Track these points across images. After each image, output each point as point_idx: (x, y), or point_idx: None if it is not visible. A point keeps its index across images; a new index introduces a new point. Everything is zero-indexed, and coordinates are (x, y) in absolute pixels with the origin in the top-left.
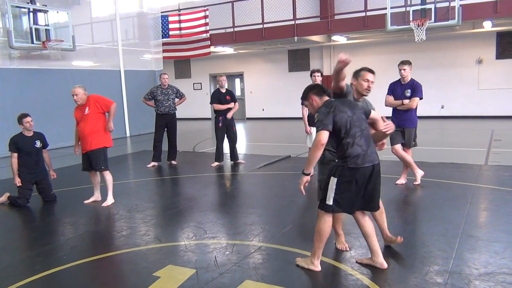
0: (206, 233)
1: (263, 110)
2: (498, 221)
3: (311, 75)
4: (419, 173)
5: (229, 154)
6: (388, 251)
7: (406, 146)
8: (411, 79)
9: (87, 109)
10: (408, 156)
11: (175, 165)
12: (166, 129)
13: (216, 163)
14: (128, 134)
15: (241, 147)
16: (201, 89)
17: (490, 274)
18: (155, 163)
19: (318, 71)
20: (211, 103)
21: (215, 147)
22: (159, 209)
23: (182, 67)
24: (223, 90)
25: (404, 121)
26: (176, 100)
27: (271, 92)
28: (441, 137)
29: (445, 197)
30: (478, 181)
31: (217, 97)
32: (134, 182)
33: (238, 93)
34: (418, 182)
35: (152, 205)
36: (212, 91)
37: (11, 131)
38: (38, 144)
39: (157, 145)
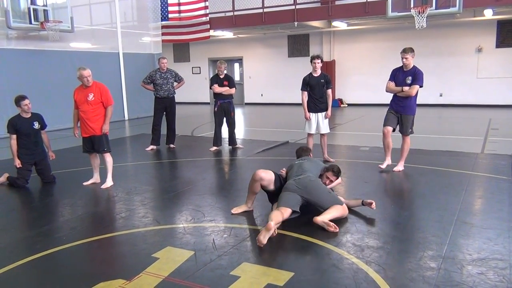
0: (204, 216)
1: (262, 95)
2: (492, 208)
3: (311, 62)
4: (387, 161)
5: (227, 139)
6: (384, 235)
7: (403, 133)
8: (414, 66)
9: (91, 95)
10: (390, 143)
11: (174, 149)
12: (165, 113)
13: (214, 148)
14: (126, 117)
15: (240, 132)
16: (199, 73)
17: (483, 259)
18: (154, 147)
19: (318, 57)
20: (210, 85)
21: (213, 132)
22: (158, 192)
23: (181, 50)
24: (222, 76)
25: (403, 107)
26: (175, 84)
27: (270, 78)
28: (438, 125)
29: (441, 184)
30: (474, 169)
31: (215, 81)
32: (133, 165)
33: (237, 78)
34: (382, 166)
35: (150, 187)
36: (211, 75)
37: (8, 112)
38: (36, 125)
39: (156, 128)
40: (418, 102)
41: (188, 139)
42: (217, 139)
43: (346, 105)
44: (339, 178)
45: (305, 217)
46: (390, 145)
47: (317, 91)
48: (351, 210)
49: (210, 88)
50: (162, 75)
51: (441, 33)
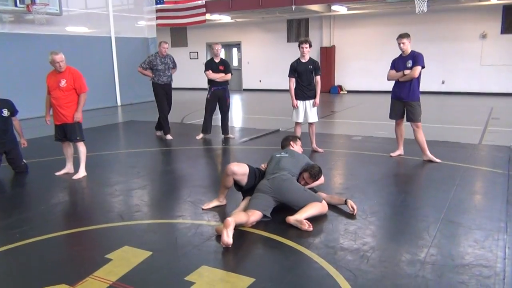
0: (172, 211)
1: (260, 81)
2: (484, 206)
3: (299, 46)
4: (399, 151)
5: (220, 127)
6: (362, 236)
7: (412, 120)
8: (412, 50)
9: (64, 81)
10: (403, 131)
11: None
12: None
13: (201, 135)
14: (119, 103)
15: (234, 120)
16: (197, 58)
17: (466, 266)
18: (170, 135)
19: (306, 41)
20: (205, 71)
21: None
22: (129, 184)
23: (178, 35)
24: (217, 60)
25: (407, 93)
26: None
27: (269, 63)
28: (438, 113)
29: (432, 178)
30: (469, 162)
31: (210, 66)
32: (112, 153)
33: (235, 63)
34: (393, 155)
35: (123, 179)
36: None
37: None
38: (4, 112)
39: (167, 116)
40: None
41: (177, 127)
42: (206, 127)
43: (346, 92)
44: (321, 179)
45: (279, 215)
46: (403, 134)
47: (305, 78)
48: (332, 206)
49: (204, 73)
50: (163, 60)
51: (444, 18)
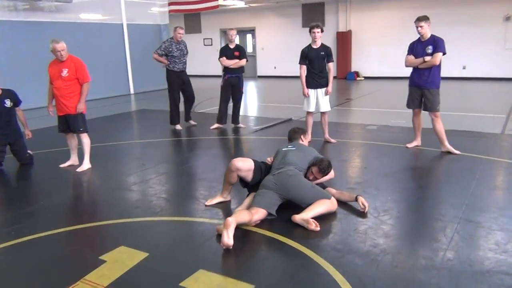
0: (174, 207)
1: (275, 68)
2: (506, 203)
3: (310, 31)
4: (416, 142)
5: (231, 116)
6: (373, 237)
7: (430, 110)
8: (431, 35)
9: (65, 71)
10: (420, 122)
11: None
12: (183, 87)
13: (216, 125)
14: (132, 92)
15: (247, 108)
16: (211, 44)
17: (486, 273)
18: (179, 125)
19: (317, 26)
20: (219, 58)
21: (218, 108)
22: (133, 177)
23: (192, 21)
24: (232, 46)
25: (426, 81)
26: None
27: (284, 49)
28: (458, 100)
29: (450, 171)
30: (490, 153)
31: (225, 52)
32: (120, 144)
33: (249, 49)
34: (409, 146)
35: (128, 171)
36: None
37: (7, 85)
38: (8, 103)
39: (178, 105)
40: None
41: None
42: (222, 116)
43: (363, 78)
44: (331, 173)
45: (285, 212)
46: (420, 124)
47: (317, 65)
48: (342, 203)
49: (218, 60)
50: (178, 46)
51: (465, 0)
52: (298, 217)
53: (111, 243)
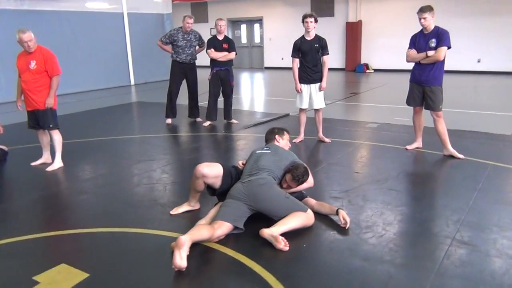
0: (135, 215)
1: (282, 59)
2: (510, 222)
3: (302, 21)
4: (417, 143)
5: (223, 112)
6: (349, 259)
7: (432, 109)
8: (435, 26)
9: (33, 63)
10: (421, 121)
11: (201, 123)
12: (186, 80)
13: (208, 123)
14: (132, 83)
15: (244, 102)
16: None
17: None
18: (170, 120)
19: (311, 16)
20: (206, 49)
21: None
22: (103, 179)
23: (199, 10)
24: (221, 37)
25: (428, 77)
26: (197, 48)
27: (292, 40)
28: (470, 96)
29: (450, 179)
30: (498, 158)
31: (213, 44)
32: (103, 140)
33: (257, 40)
34: (409, 148)
35: (101, 171)
36: (230, 37)
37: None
38: None
39: (173, 98)
40: (450, 68)
41: (182, 110)
42: (211, 113)
43: (372, 71)
44: (309, 181)
45: (255, 225)
46: (421, 124)
47: (310, 58)
48: (323, 216)
49: (206, 52)
50: (185, 36)
51: None
52: (266, 232)
53: (53, 259)
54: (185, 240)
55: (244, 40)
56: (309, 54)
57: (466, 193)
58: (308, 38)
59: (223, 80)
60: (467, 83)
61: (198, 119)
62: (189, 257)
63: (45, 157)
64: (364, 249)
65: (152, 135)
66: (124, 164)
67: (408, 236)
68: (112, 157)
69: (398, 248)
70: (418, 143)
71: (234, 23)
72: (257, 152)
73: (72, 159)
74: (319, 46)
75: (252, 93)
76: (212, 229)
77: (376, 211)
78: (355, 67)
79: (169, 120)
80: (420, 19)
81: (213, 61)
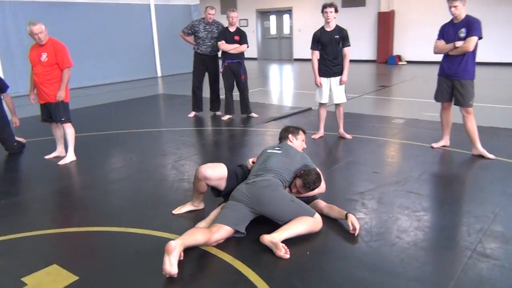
0: (138, 214)
1: None
2: None
3: (322, 12)
4: (444, 141)
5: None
6: (353, 274)
7: (461, 105)
8: (466, 15)
9: (44, 55)
10: (450, 118)
11: (220, 117)
12: (207, 73)
13: (228, 116)
14: (159, 74)
15: (271, 95)
16: (247, 26)
17: None
18: (194, 113)
19: (331, 5)
20: (217, 41)
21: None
22: (115, 174)
23: (227, 1)
24: (232, 29)
25: (457, 70)
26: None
27: None
28: (506, 90)
29: (478, 182)
30: None
31: (224, 36)
32: (120, 133)
33: (286, 31)
34: (435, 146)
35: (113, 165)
36: (259, 28)
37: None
38: None
39: (196, 91)
40: (486, 59)
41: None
42: (229, 106)
43: (405, 63)
44: (320, 188)
45: (259, 228)
46: (449, 121)
47: (330, 50)
48: (332, 220)
49: (217, 43)
50: (207, 27)
51: None
52: (267, 239)
53: (46, 259)
54: (175, 246)
55: (273, 31)
56: (329, 46)
57: (493, 198)
58: (328, 29)
59: (235, 73)
60: (508, 76)
61: (218, 113)
62: (184, 262)
63: (59, 151)
64: (373, 258)
65: (170, 128)
66: (136, 159)
67: (424, 246)
68: (125, 151)
69: (410, 259)
70: (445, 141)
71: (263, 14)
72: (268, 151)
73: (87, 153)
74: (340, 37)
75: (279, 85)
76: (210, 233)
77: (391, 216)
78: (386, 59)
79: (191, 114)
80: (450, 7)
81: (224, 53)
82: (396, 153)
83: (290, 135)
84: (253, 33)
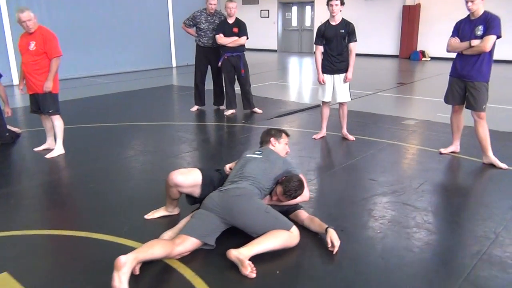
0: (107, 219)
1: None
2: None
3: (327, 4)
4: (454, 147)
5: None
6: None
7: (473, 109)
8: (485, 12)
9: (33, 44)
10: (460, 121)
11: (223, 112)
12: (210, 66)
13: (231, 111)
14: (174, 64)
15: (284, 89)
16: (268, 17)
17: None
18: (197, 107)
19: None
20: (215, 34)
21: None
22: (98, 171)
23: None
24: (231, 21)
25: (470, 71)
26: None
27: None
28: None
29: (484, 195)
30: None
31: (222, 28)
32: (115, 126)
33: (307, 23)
34: (444, 151)
35: (100, 162)
36: (280, 19)
37: None
38: None
39: (199, 85)
40: (504, 57)
41: (209, 96)
42: (231, 101)
43: (429, 59)
44: (303, 196)
45: (231, 239)
46: (460, 125)
47: (335, 46)
48: (312, 233)
49: (215, 36)
50: (209, 18)
51: None
52: (233, 254)
53: (0, 265)
54: (126, 261)
55: (294, 23)
56: (333, 41)
57: (498, 215)
58: (333, 23)
59: (235, 67)
60: None
61: (222, 107)
62: (140, 276)
63: (49, 143)
64: (350, 281)
65: (168, 122)
66: (126, 154)
67: (408, 271)
68: (117, 146)
69: (392, 285)
70: (455, 147)
71: (285, 5)
72: (247, 155)
73: (77, 146)
74: (346, 32)
75: (295, 79)
76: (172, 245)
77: (378, 232)
78: (410, 54)
79: (194, 108)
80: (466, 2)
81: (223, 46)
82: (399, 159)
83: (272, 139)
84: (274, 24)
